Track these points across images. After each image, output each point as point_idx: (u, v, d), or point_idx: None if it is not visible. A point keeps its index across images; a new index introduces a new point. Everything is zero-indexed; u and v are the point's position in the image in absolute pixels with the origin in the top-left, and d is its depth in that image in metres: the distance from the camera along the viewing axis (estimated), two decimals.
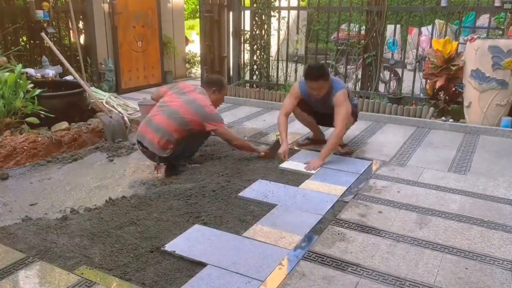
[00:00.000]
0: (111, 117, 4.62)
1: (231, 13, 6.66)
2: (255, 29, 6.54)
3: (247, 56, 6.75)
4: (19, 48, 5.82)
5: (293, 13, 6.30)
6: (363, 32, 5.81)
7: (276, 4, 6.46)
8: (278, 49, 6.43)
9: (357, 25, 5.87)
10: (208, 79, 4.18)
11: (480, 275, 2.28)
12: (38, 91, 4.39)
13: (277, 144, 4.03)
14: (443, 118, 5.19)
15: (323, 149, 3.86)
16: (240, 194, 3.19)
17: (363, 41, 5.79)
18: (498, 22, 6.80)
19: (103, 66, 6.71)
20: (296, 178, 3.51)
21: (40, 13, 5.99)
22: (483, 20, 7.10)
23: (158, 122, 3.54)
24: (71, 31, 6.64)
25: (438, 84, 5.18)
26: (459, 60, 5.05)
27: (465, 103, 5.05)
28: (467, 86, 4.99)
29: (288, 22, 6.32)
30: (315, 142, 4.44)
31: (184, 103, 3.59)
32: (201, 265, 2.32)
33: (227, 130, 3.80)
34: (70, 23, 6.56)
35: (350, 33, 5.93)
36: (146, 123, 3.63)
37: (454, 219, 2.88)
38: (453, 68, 5.03)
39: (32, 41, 6.20)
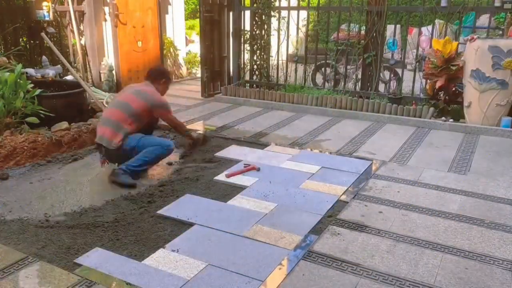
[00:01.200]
0: None
1: (231, 13, 6.65)
2: (255, 29, 6.54)
3: (247, 56, 6.75)
4: (19, 48, 5.82)
5: (293, 13, 6.29)
6: (363, 32, 5.80)
7: (276, 4, 6.45)
8: (278, 49, 6.43)
9: (357, 25, 5.87)
10: (157, 71, 4.04)
11: (480, 275, 2.28)
12: (38, 91, 4.39)
13: (201, 138, 4.35)
14: (443, 118, 5.18)
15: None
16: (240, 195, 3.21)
17: (363, 41, 5.79)
18: (498, 22, 6.81)
19: (103, 66, 6.71)
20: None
21: (40, 13, 6.00)
22: (483, 20, 7.09)
23: (107, 116, 3.69)
24: (70, 31, 6.64)
25: (438, 84, 5.18)
26: (459, 60, 5.05)
27: (465, 103, 5.05)
28: (467, 86, 4.99)
29: (288, 22, 6.32)
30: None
31: (132, 94, 3.73)
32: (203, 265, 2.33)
33: (173, 117, 4.00)
34: (70, 23, 6.57)
35: (350, 33, 5.93)
36: (100, 122, 3.79)
37: (454, 219, 2.88)
38: (453, 68, 5.03)
39: (32, 41, 6.20)
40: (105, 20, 6.67)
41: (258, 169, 3.67)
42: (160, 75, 3.95)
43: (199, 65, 8.82)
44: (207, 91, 6.63)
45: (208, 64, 6.54)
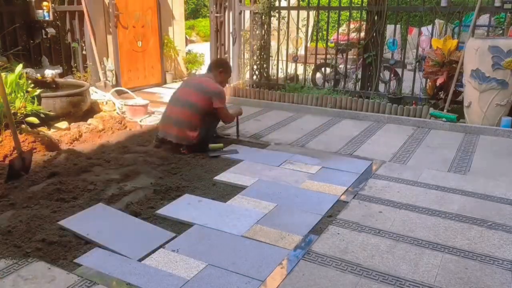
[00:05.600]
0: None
1: (231, 13, 6.65)
2: (255, 29, 6.54)
3: (247, 56, 6.75)
4: (19, 48, 5.82)
5: (293, 12, 6.29)
6: (362, 34, 5.81)
7: (276, 4, 6.45)
8: (278, 49, 6.43)
9: (357, 25, 5.87)
10: (215, 61, 4.49)
11: (480, 275, 2.28)
12: (38, 91, 4.40)
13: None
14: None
15: None
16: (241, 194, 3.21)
17: (362, 41, 5.79)
18: (498, 22, 6.81)
19: (103, 66, 6.71)
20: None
21: (40, 13, 6.00)
22: (483, 20, 7.08)
23: (175, 116, 3.99)
24: (70, 32, 6.65)
25: (439, 81, 5.18)
26: (459, 53, 5.06)
27: (465, 103, 5.05)
28: (467, 86, 4.99)
29: (288, 22, 6.32)
30: None
31: (193, 90, 4.04)
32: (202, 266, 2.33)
33: (227, 111, 4.16)
34: (70, 23, 6.58)
35: (350, 36, 5.93)
36: (166, 120, 4.09)
37: (454, 219, 2.88)
38: (454, 66, 5.04)
39: (32, 42, 6.20)
40: (105, 20, 6.67)
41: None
42: (217, 65, 4.27)
43: (200, 65, 8.87)
44: None
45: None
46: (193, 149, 3.99)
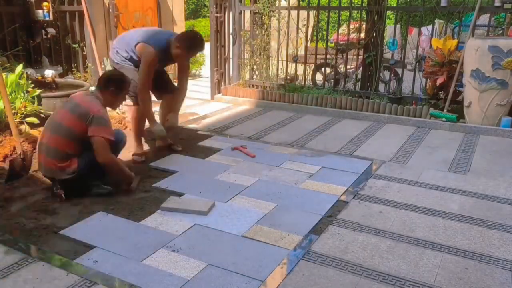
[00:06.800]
0: None
1: (231, 13, 6.65)
2: (255, 29, 6.54)
3: (247, 56, 6.74)
4: (19, 48, 5.82)
5: (293, 12, 6.29)
6: (362, 35, 5.81)
7: (276, 4, 6.45)
8: (278, 49, 6.43)
9: (357, 25, 5.87)
10: (106, 76, 3.27)
11: (480, 275, 2.28)
12: (38, 91, 4.40)
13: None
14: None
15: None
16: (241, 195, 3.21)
17: (362, 41, 5.79)
18: (498, 22, 6.81)
19: (103, 66, 6.70)
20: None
21: (40, 13, 6.00)
22: (483, 20, 7.09)
23: (46, 142, 3.06)
24: (70, 32, 6.64)
25: (439, 81, 5.19)
26: (459, 53, 5.07)
27: (465, 103, 5.05)
28: (467, 86, 4.99)
29: (288, 22, 6.32)
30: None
31: (67, 111, 3.09)
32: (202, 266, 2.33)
33: (104, 144, 3.01)
34: (70, 24, 6.57)
35: (350, 36, 5.93)
36: (38, 148, 3.15)
37: (454, 219, 2.88)
38: (454, 65, 5.04)
39: (32, 41, 6.20)
40: (105, 21, 6.67)
41: (254, 157, 3.98)
42: (107, 82, 3.17)
43: (200, 65, 8.88)
44: (217, 93, 6.64)
45: (218, 65, 6.57)
46: (69, 186, 3.08)
